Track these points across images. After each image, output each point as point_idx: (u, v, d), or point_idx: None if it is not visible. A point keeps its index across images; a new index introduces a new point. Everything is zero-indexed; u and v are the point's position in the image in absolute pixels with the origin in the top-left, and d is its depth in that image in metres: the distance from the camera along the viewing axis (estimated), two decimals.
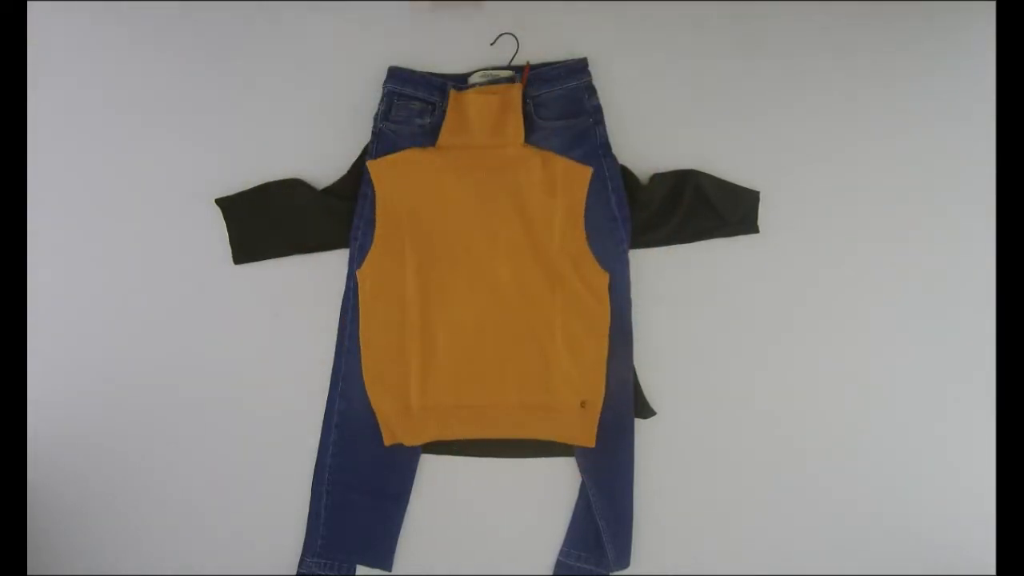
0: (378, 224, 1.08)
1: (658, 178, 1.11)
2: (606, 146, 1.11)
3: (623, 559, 1.07)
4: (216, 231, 1.12)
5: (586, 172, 1.07)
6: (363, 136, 1.11)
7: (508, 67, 1.13)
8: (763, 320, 1.10)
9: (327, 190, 1.12)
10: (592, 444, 1.05)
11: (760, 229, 1.11)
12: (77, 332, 1.14)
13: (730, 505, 1.09)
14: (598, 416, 1.05)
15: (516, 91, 1.08)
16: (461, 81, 1.12)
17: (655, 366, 1.09)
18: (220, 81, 1.17)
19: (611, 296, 1.07)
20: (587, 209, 1.08)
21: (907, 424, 1.09)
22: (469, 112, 1.09)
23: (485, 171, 1.08)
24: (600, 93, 1.12)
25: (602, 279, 1.06)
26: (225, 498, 1.12)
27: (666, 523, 1.08)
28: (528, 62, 1.13)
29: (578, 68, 1.12)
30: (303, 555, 1.09)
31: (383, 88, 1.12)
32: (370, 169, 1.08)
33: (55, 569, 1.12)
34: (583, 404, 1.05)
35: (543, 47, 1.14)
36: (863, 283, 1.11)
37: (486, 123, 1.08)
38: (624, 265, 1.09)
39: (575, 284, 1.05)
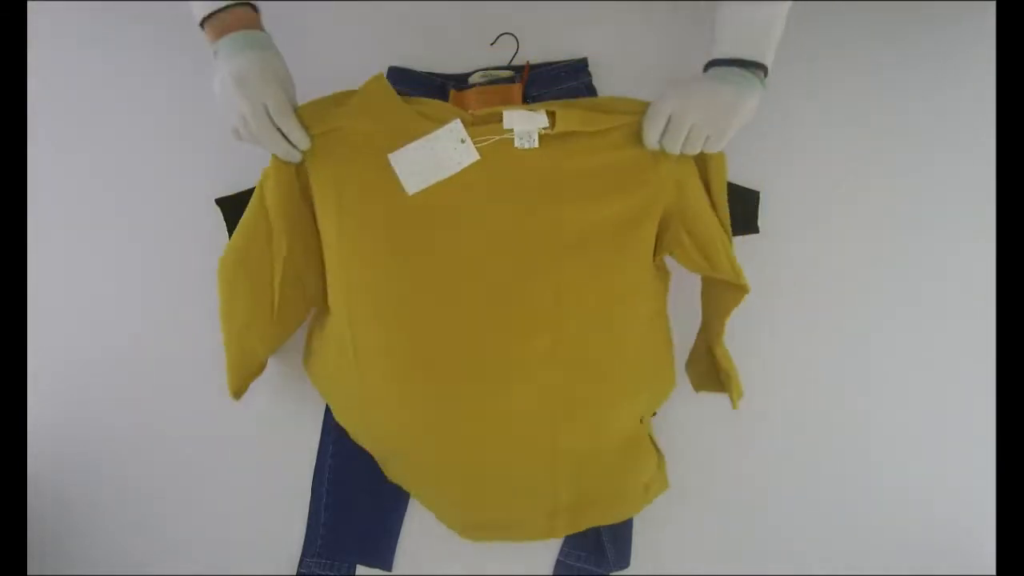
0: None
1: None
2: None
3: (623, 559, 1.07)
4: (216, 231, 1.12)
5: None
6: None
7: (508, 67, 1.13)
8: (763, 320, 1.10)
9: None
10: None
11: (760, 229, 1.11)
12: (77, 332, 1.14)
13: (730, 505, 1.09)
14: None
15: (516, 91, 1.08)
16: (461, 81, 1.12)
17: None
18: None
19: None
20: None
21: (907, 424, 1.09)
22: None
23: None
24: (600, 93, 1.12)
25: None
26: (225, 498, 1.12)
27: (666, 523, 1.08)
28: (528, 62, 1.13)
29: (578, 68, 1.12)
30: (303, 555, 1.09)
31: None
32: None
33: (55, 569, 1.11)
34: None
35: (543, 47, 1.14)
36: (864, 283, 1.11)
37: None
38: None
39: None
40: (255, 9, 0.77)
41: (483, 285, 0.79)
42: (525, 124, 0.77)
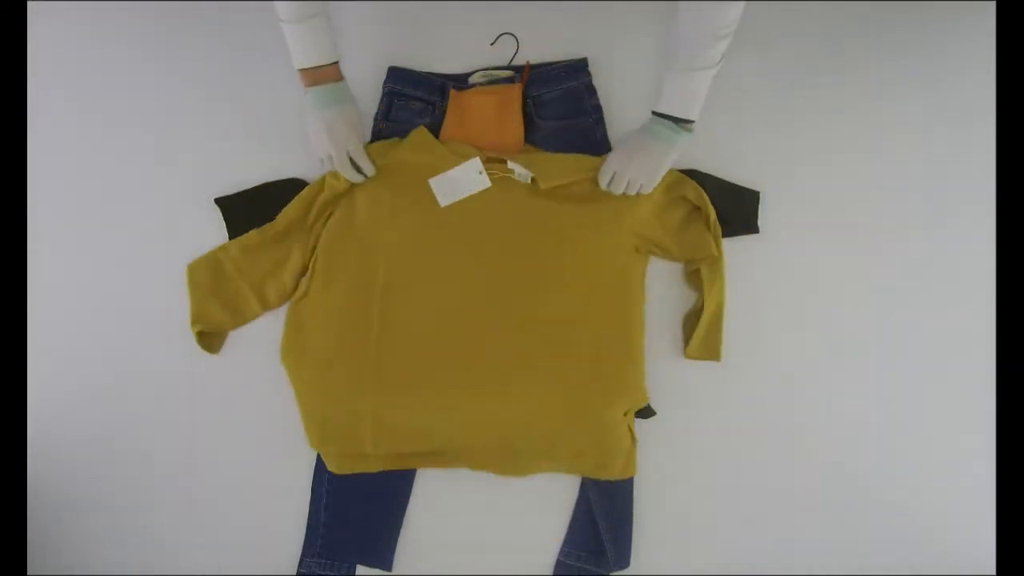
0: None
1: None
2: (606, 146, 1.11)
3: (623, 559, 1.07)
4: (216, 231, 1.12)
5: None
6: (363, 136, 1.11)
7: (508, 67, 1.13)
8: (763, 320, 1.10)
9: None
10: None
11: (760, 229, 1.11)
12: (77, 332, 1.14)
13: (730, 505, 1.09)
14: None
15: (516, 91, 1.09)
16: (461, 81, 1.12)
17: (655, 366, 1.09)
18: (220, 80, 1.17)
19: None
20: None
21: (907, 424, 1.09)
22: (469, 112, 1.09)
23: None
24: (600, 93, 1.13)
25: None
26: (225, 498, 1.12)
27: (666, 523, 1.08)
28: (528, 62, 1.13)
29: (578, 68, 1.12)
30: (303, 555, 1.10)
31: (383, 88, 1.13)
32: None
33: (55, 569, 1.12)
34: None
35: (543, 47, 1.14)
36: (863, 283, 1.11)
37: (486, 123, 1.08)
38: None
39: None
40: (336, 60, 1.00)
41: (492, 270, 1.05)
42: (521, 169, 1.05)
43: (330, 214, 1.08)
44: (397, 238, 1.06)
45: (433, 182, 1.06)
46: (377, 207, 1.07)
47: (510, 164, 1.05)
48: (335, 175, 1.06)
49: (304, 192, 1.08)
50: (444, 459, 1.07)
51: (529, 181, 1.05)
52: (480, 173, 1.06)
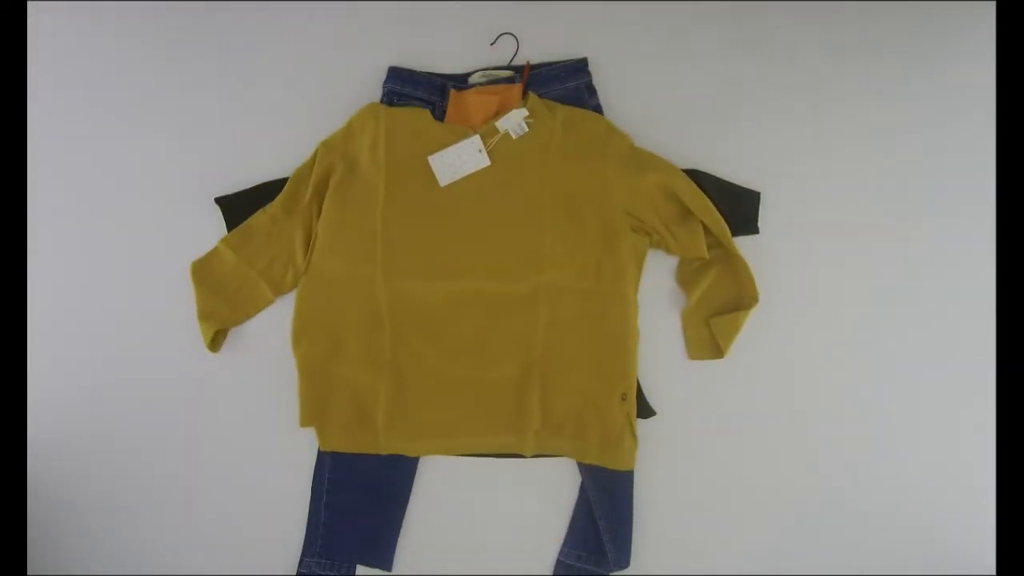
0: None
1: None
2: None
3: (623, 559, 1.07)
4: (216, 230, 1.12)
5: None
6: None
7: (508, 67, 1.13)
8: (763, 320, 1.10)
9: None
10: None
11: (760, 229, 1.11)
12: (76, 332, 1.14)
13: (730, 505, 1.09)
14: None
15: (516, 91, 1.09)
16: (461, 81, 1.12)
17: (655, 366, 1.09)
18: (220, 81, 1.17)
19: None
20: None
21: (907, 424, 1.09)
22: (469, 112, 1.09)
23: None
24: (600, 93, 1.13)
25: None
26: (225, 498, 1.12)
27: (666, 523, 1.08)
28: (528, 62, 1.13)
29: (578, 68, 1.12)
30: (303, 555, 1.09)
31: (383, 88, 1.13)
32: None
33: (55, 569, 1.12)
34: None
35: (543, 47, 1.14)
36: (863, 283, 1.11)
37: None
38: None
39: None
40: None
41: (487, 235, 1.06)
42: (513, 119, 1.07)
43: (325, 187, 1.09)
44: (394, 203, 1.07)
45: (432, 159, 1.06)
46: (374, 176, 1.07)
47: (499, 125, 1.06)
48: (327, 147, 1.08)
49: (297, 170, 1.09)
50: (455, 437, 1.07)
51: (525, 128, 1.06)
52: (480, 152, 1.06)
